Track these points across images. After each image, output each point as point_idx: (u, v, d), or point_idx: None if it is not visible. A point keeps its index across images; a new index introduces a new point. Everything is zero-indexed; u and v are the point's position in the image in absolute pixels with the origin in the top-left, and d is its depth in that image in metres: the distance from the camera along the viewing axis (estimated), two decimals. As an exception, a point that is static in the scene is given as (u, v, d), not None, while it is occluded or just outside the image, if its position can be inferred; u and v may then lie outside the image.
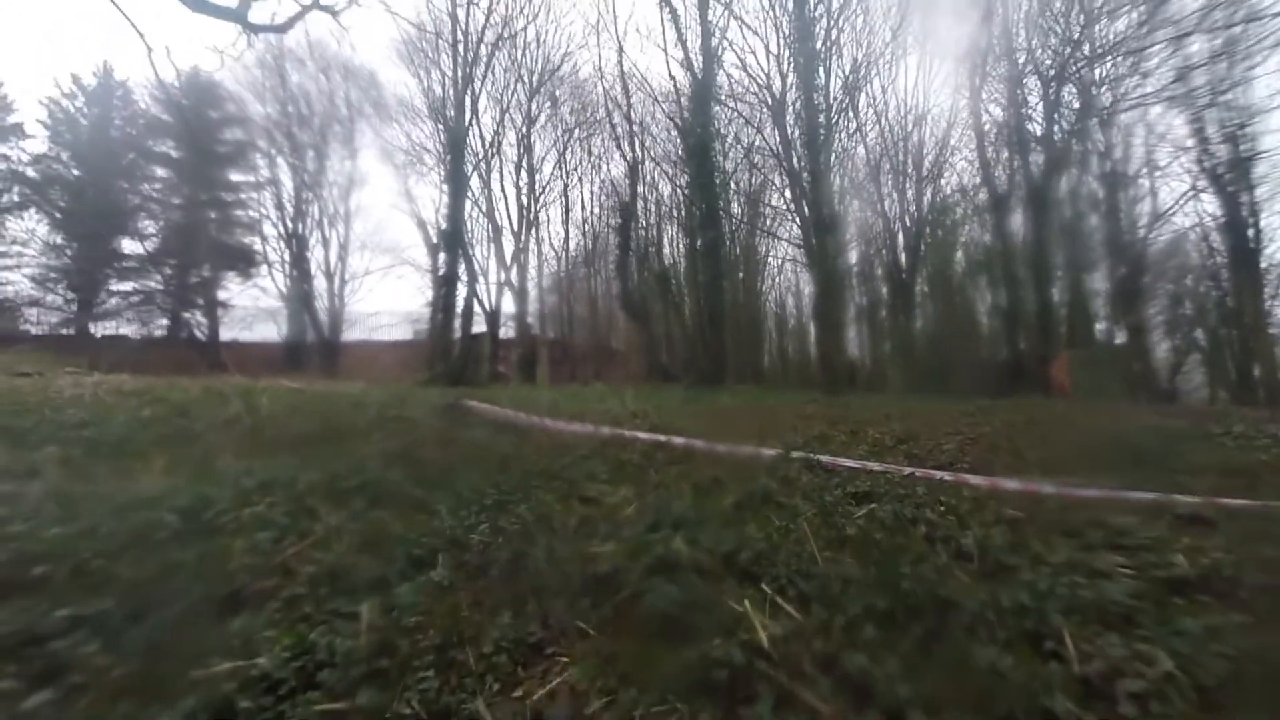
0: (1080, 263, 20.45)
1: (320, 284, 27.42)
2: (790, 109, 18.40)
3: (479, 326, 23.33)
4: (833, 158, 18.79)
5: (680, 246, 23.46)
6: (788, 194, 19.92)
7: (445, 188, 21.67)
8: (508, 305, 25.35)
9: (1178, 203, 19.42)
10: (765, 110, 19.39)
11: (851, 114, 19.67)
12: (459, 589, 2.19)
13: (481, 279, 24.05)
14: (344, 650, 1.74)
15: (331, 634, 1.82)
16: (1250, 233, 17.42)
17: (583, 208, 29.98)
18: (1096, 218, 20.67)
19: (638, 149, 22.04)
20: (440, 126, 22.28)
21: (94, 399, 7.83)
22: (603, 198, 27.23)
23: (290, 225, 26.82)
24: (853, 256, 22.87)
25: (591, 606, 2.03)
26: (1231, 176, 17.24)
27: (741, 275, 23.02)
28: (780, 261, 26.66)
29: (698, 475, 3.89)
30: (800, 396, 12.12)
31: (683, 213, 20.26)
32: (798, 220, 19.35)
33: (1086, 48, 17.53)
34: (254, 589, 2.14)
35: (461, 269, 21.29)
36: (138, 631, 1.83)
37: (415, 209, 25.35)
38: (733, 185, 21.35)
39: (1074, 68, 17.49)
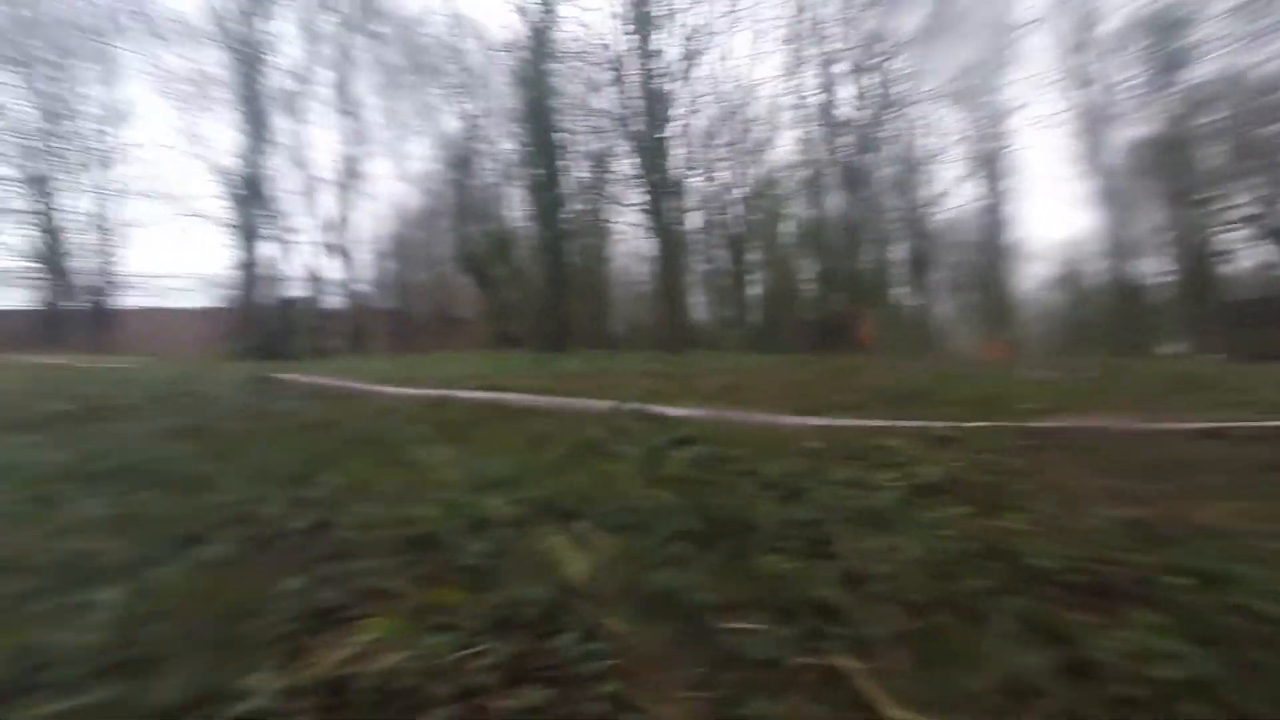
0: (882, 235, 23.33)
1: (81, 239, 22.58)
2: (630, 73, 18.51)
3: (299, 293, 20.83)
4: (672, 125, 19.31)
5: (523, 208, 22.79)
6: (630, 161, 20.18)
7: (242, 127, 18.76)
8: (334, 270, 22.96)
9: (952, 186, 23.00)
10: (607, 72, 19.30)
11: (689, 82, 20.29)
12: (239, 565, 1.96)
13: (296, 238, 21.40)
14: (81, 644, 1.47)
15: (63, 628, 1.53)
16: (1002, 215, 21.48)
17: (419, 163, 27.66)
18: (894, 196, 23.72)
19: (476, 101, 20.81)
20: (232, 54, 19.09)
21: None
22: (441, 153, 25.40)
23: (30, 164, 21.56)
24: (693, 223, 23.93)
25: (398, 569, 1.92)
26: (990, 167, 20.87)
27: (587, 241, 23.02)
28: (625, 228, 27.12)
29: (529, 431, 3.86)
30: (643, 358, 12.56)
31: (524, 173, 19.60)
32: (640, 187, 19.73)
33: (882, 44, 19.74)
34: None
35: (268, 225, 18.75)
36: None
37: (205, 151, 21.67)
38: (576, 148, 21.07)
39: (871, 60, 19.62)
